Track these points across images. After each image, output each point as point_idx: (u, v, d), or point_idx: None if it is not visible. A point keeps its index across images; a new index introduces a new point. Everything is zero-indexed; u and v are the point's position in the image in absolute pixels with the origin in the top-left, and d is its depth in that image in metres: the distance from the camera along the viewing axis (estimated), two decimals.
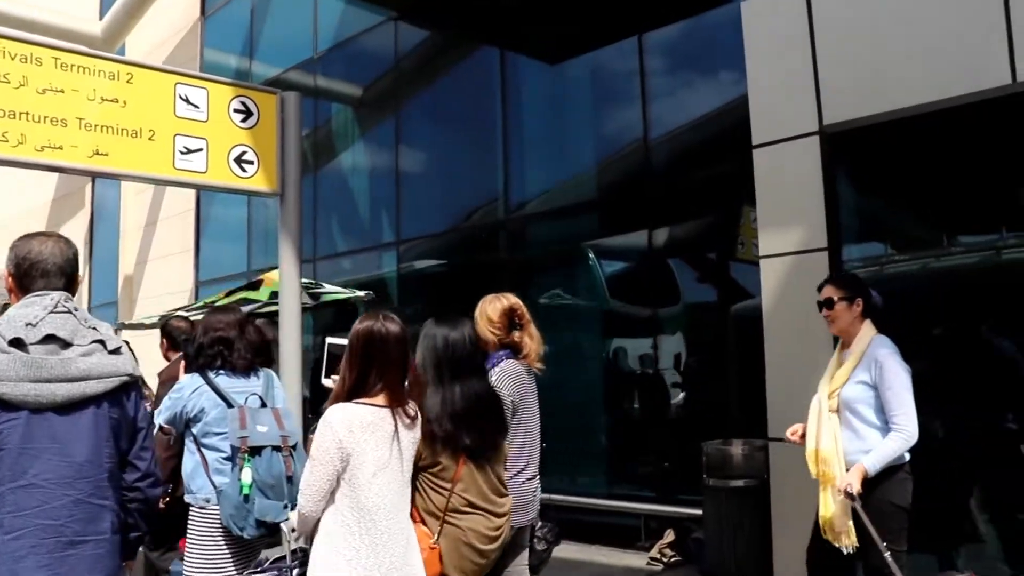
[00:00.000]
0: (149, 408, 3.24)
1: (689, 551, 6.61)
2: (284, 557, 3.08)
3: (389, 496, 2.76)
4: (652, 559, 6.73)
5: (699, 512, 6.01)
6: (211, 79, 5.82)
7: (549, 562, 3.93)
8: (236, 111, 5.83)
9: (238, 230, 12.55)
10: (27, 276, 2.60)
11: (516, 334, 3.69)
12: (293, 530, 2.93)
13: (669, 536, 6.74)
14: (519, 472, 3.59)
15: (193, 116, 5.63)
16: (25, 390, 2.38)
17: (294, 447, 3.81)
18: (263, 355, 4.22)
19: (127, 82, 5.36)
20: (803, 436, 4.01)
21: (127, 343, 2.94)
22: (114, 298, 15.06)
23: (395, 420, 2.81)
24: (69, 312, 2.55)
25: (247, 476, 3.64)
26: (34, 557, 2.34)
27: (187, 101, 5.61)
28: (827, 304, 3.98)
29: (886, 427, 3.72)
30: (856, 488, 3.62)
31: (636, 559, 6.88)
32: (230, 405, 3.83)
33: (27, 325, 2.45)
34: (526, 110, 9.24)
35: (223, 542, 3.79)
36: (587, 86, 8.82)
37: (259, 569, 3.17)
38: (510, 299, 3.72)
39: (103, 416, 2.54)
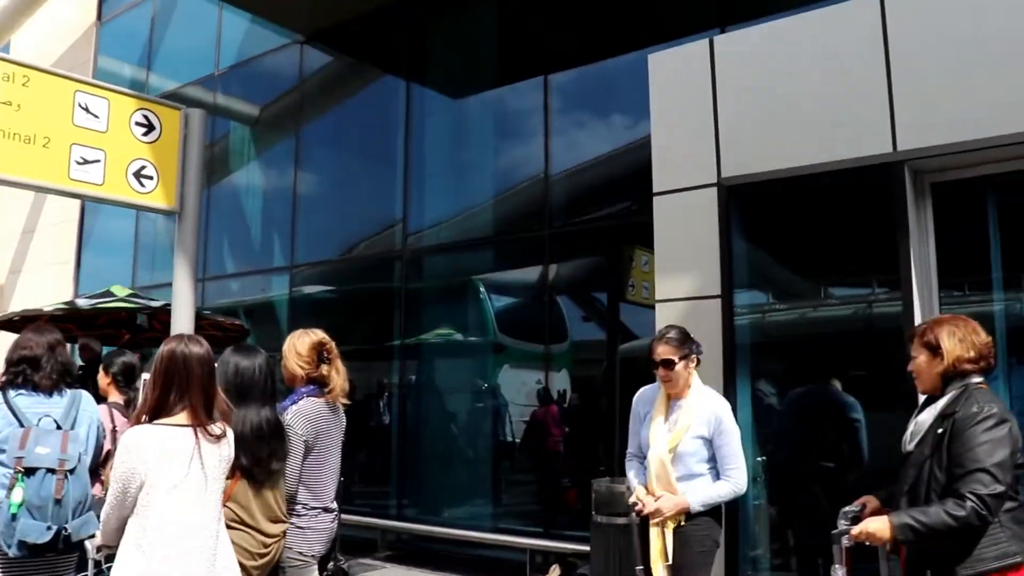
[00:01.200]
0: None
1: None
2: None
3: (185, 514, 2.82)
4: None
5: (585, 548, 6.12)
6: (113, 89, 5.68)
7: None
8: (138, 124, 5.70)
9: (123, 244, 12.12)
10: None
11: (324, 368, 3.80)
12: (99, 549, 3.04)
13: (555, 571, 6.84)
14: (313, 506, 3.71)
15: (92, 126, 5.47)
16: None
17: (71, 471, 3.81)
18: (72, 376, 4.17)
19: (23, 85, 5.19)
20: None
21: None
22: None
23: (196, 438, 2.88)
24: None
25: (17, 496, 3.67)
26: None
27: (86, 110, 5.45)
28: (665, 365, 3.98)
29: (709, 475, 3.95)
30: (661, 512, 3.84)
31: None
32: (22, 425, 3.82)
33: None
34: (428, 141, 9.32)
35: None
36: (490, 121, 8.98)
37: None
38: (318, 334, 3.84)
39: None
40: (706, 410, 3.98)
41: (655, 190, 5.77)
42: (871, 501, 3.34)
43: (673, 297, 5.68)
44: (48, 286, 12.73)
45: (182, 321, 5.82)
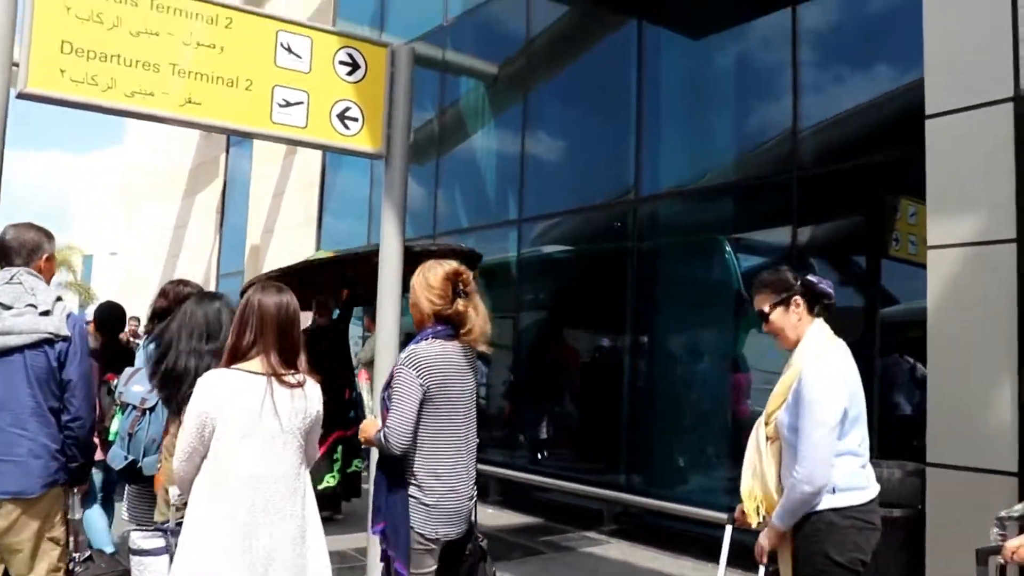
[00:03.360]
0: None
1: None
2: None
3: (258, 464, 2.75)
4: None
5: None
6: (316, 27, 5.39)
7: None
8: (341, 63, 5.38)
9: (360, 203, 12.29)
10: None
11: (460, 303, 3.22)
12: (179, 494, 3.02)
13: None
14: (434, 481, 3.15)
15: (295, 66, 5.21)
16: None
17: (150, 409, 4.07)
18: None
19: (226, 27, 4.98)
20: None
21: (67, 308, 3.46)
22: (241, 267, 15.18)
23: (270, 387, 2.81)
24: (20, 283, 3.31)
25: (113, 425, 4.22)
26: None
27: (289, 50, 5.19)
28: (762, 318, 3.21)
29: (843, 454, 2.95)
30: (764, 550, 2.96)
31: None
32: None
33: None
34: (664, 88, 8.49)
35: None
36: (732, 63, 7.99)
37: (144, 528, 3.46)
38: (453, 264, 3.31)
39: (26, 364, 3.22)
40: (798, 363, 3.03)
41: (928, 111, 4.76)
42: None
43: (950, 242, 4.68)
44: (295, 245, 13.24)
45: (390, 271, 5.49)
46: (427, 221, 10.82)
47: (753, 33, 7.77)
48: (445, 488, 3.15)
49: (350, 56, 5.41)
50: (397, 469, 3.15)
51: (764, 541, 3.02)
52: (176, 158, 18.25)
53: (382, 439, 3.11)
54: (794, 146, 6.93)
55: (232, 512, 2.70)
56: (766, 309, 3.17)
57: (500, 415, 9.86)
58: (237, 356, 2.87)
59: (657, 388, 7.95)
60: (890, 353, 6.27)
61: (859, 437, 3.04)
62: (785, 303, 3.14)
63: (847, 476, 2.96)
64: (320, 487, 6.91)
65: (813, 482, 2.85)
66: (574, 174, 9.32)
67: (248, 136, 5.22)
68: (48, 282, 3.58)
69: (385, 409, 3.19)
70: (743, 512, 3.24)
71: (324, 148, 5.55)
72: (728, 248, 7.79)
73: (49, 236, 3.64)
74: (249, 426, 2.76)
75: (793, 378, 3.01)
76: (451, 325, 3.24)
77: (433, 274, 3.25)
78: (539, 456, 9.04)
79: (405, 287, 4.18)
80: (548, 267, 9.54)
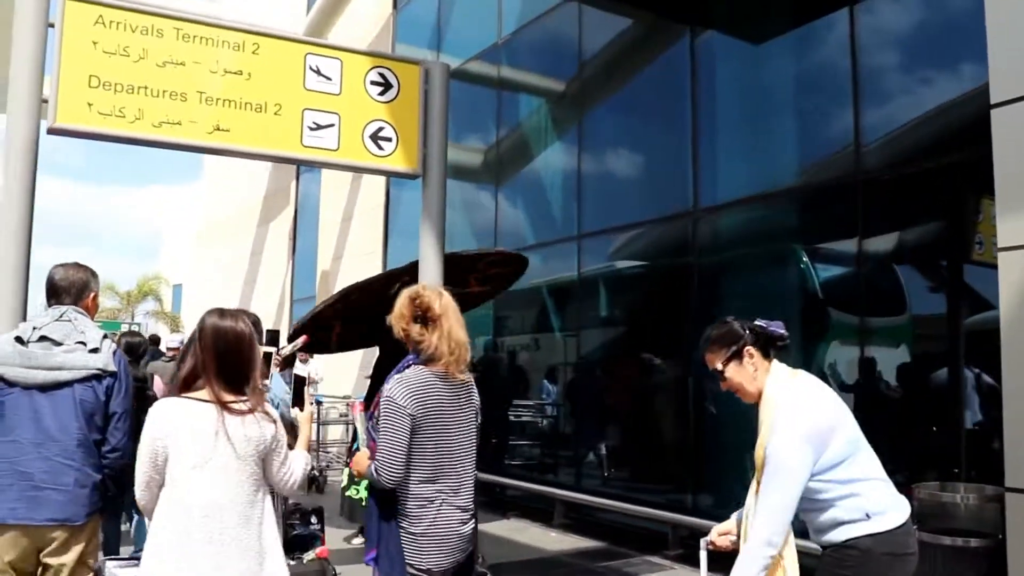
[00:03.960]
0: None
1: None
2: None
3: (213, 491, 2.72)
4: None
5: None
6: (345, 48, 5.34)
7: None
8: (373, 83, 5.31)
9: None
10: (48, 295, 3.61)
11: (416, 329, 3.11)
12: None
13: None
14: (422, 505, 3.03)
15: (324, 89, 5.16)
16: (17, 372, 3.32)
17: None
18: None
19: (253, 53, 4.96)
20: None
21: (116, 346, 3.61)
22: (313, 292, 15.34)
23: (220, 415, 2.76)
24: (69, 321, 3.48)
25: None
26: (11, 492, 3.21)
27: (318, 72, 5.14)
28: (718, 377, 2.96)
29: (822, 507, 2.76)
30: None
31: None
32: None
33: (33, 328, 3.44)
34: (720, 97, 8.18)
35: None
36: (792, 69, 7.64)
37: (117, 557, 3.65)
38: (413, 288, 3.21)
39: (75, 398, 3.36)
40: (768, 419, 2.79)
41: (992, 100, 4.40)
42: None
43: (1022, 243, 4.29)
44: (362, 272, 13.28)
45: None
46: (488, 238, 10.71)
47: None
48: (433, 517, 3.02)
49: (382, 76, 5.34)
50: (389, 498, 3.06)
51: None
52: (253, 186, 18.62)
53: (373, 473, 3.01)
54: (857, 145, 6.56)
55: (186, 539, 2.69)
56: (719, 367, 2.94)
57: (563, 436, 9.63)
58: (187, 384, 2.83)
59: (724, 407, 7.60)
60: (970, 365, 5.85)
61: (871, 458, 2.83)
62: (738, 356, 2.90)
63: (877, 501, 2.75)
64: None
65: (767, 544, 2.68)
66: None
67: (279, 161, 5.18)
68: (92, 319, 3.73)
69: (373, 441, 3.07)
70: (720, 534, 3.11)
71: (358, 170, 5.48)
72: (804, 258, 7.43)
73: (94, 275, 3.76)
74: (201, 454, 2.73)
75: (767, 438, 2.78)
76: (421, 352, 3.12)
77: (400, 299, 3.17)
78: (605, 476, 8.78)
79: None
80: (611, 284, 9.29)
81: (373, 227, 13.65)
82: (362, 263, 13.52)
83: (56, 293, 3.58)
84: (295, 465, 2.94)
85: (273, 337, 5.72)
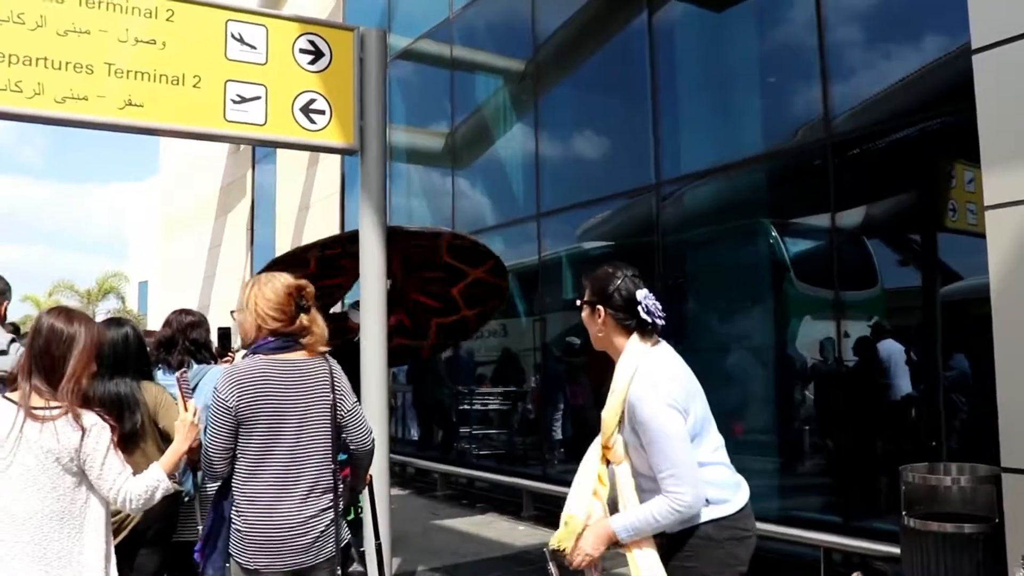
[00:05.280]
0: None
1: None
2: None
3: (14, 503, 2.54)
4: None
5: (897, 550, 4.52)
6: (271, 14, 4.95)
7: None
8: (302, 51, 4.91)
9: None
10: None
11: (304, 318, 2.94)
12: None
13: None
14: (246, 502, 2.82)
15: (248, 58, 4.75)
16: None
17: None
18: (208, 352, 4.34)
19: (167, 20, 4.54)
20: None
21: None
22: None
23: (20, 419, 2.58)
24: None
25: None
26: None
27: (241, 40, 4.73)
28: (578, 308, 2.84)
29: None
30: (591, 557, 2.64)
31: None
32: None
33: None
34: (680, 67, 7.83)
35: None
36: (755, 35, 7.30)
37: None
38: (289, 278, 2.98)
39: None
40: (621, 385, 2.64)
41: (974, 45, 4.08)
42: None
43: (1012, 200, 3.97)
44: None
45: (371, 273, 4.99)
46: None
47: None
48: (262, 515, 2.79)
49: (312, 43, 4.94)
50: (223, 487, 2.91)
51: (594, 551, 2.64)
52: (210, 177, 18.09)
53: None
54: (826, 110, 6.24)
55: None
56: (578, 302, 2.80)
57: (529, 424, 9.30)
58: (12, 382, 2.71)
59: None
60: (951, 338, 5.56)
61: (716, 440, 2.70)
62: (591, 307, 2.74)
63: (719, 485, 2.62)
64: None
65: (689, 504, 2.50)
66: None
67: (199, 138, 4.77)
68: (2, 324, 3.83)
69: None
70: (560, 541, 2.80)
71: (288, 146, 5.08)
72: (773, 232, 7.12)
73: (6, 283, 3.99)
74: (3, 458, 2.55)
75: (620, 402, 2.64)
76: (290, 337, 2.90)
77: (271, 288, 2.91)
78: (574, 465, 8.47)
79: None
80: (573, 263, 8.96)
81: (329, 216, 13.21)
82: None
83: None
84: (126, 483, 2.65)
85: (224, 334, 5.33)
